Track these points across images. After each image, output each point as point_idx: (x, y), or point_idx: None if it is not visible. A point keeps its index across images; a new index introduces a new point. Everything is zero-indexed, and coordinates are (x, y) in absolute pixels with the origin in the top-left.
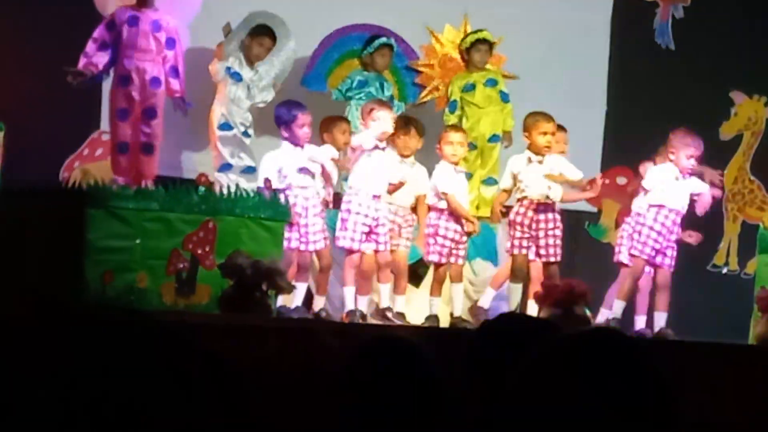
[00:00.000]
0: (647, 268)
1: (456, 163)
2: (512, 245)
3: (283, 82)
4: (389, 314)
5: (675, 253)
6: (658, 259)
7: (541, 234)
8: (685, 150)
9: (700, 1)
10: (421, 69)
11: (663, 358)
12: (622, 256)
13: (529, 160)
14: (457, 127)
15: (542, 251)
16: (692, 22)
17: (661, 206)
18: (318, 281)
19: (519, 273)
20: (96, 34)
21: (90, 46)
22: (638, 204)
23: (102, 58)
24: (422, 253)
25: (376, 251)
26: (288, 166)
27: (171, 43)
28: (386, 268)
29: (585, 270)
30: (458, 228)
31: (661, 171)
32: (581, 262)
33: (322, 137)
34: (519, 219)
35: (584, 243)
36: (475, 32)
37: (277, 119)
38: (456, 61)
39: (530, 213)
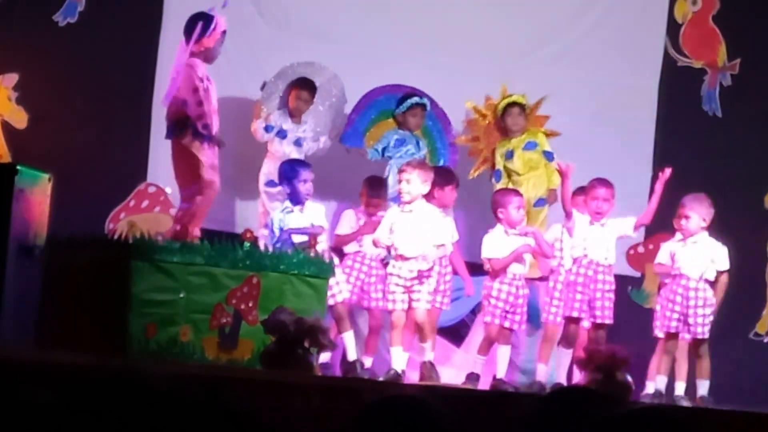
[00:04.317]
0: (686, 336)
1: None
2: (571, 308)
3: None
4: (431, 371)
5: (704, 320)
6: (688, 328)
7: (598, 295)
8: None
9: (747, 69)
10: (467, 143)
11: (704, 427)
12: (657, 330)
13: (591, 222)
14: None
15: (597, 312)
16: (739, 90)
17: (676, 276)
18: (366, 342)
19: (572, 338)
20: None
21: None
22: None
23: None
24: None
25: (408, 311)
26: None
27: None
28: (425, 328)
29: (628, 335)
30: (513, 291)
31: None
32: (623, 327)
33: None
34: (581, 280)
35: (627, 308)
36: (507, 97)
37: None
38: (500, 129)
39: (590, 273)
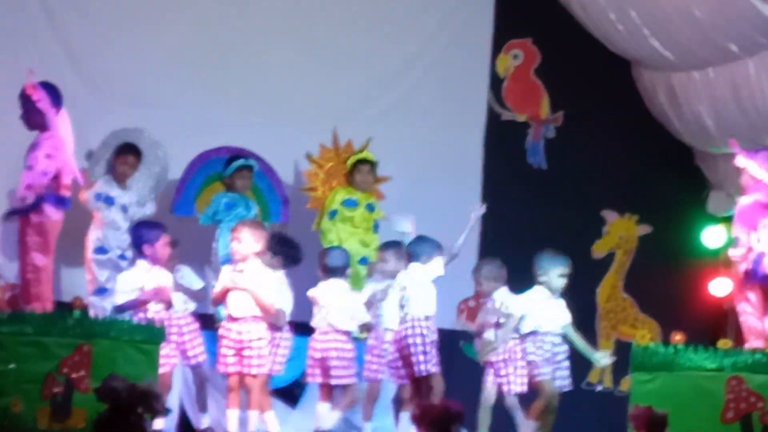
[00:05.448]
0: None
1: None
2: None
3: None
4: None
5: (567, 373)
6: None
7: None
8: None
9: (571, 121)
10: (307, 193)
11: None
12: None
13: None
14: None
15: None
16: (564, 142)
17: (536, 332)
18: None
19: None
20: None
21: None
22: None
23: None
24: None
25: (241, 373)
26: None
27: None
28: (255, 393)
29: (461, 389)
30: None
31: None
32: (457, 381)
33: None
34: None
35: (460, 362)
36: (357, 153)
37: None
38: (340, 171)
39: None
